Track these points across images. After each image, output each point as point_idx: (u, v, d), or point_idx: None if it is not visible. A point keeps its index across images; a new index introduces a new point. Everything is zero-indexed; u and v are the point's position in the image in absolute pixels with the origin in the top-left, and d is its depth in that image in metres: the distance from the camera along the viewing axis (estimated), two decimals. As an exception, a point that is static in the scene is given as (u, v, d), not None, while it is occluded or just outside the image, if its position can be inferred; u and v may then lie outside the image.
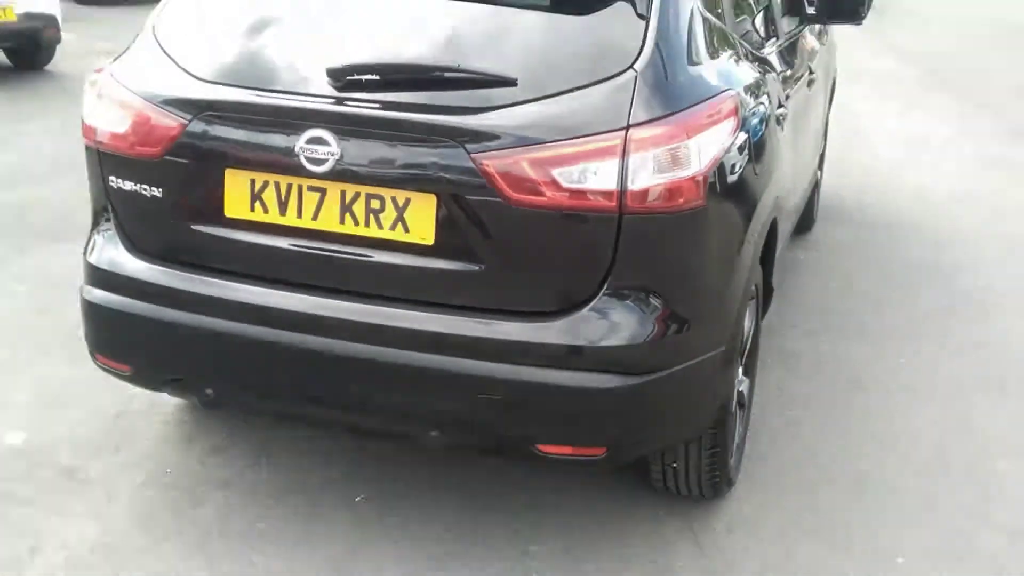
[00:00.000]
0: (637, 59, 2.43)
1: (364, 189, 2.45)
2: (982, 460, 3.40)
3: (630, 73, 2.40)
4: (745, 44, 3.16)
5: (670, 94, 2.44)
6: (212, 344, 2.64)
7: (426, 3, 2.67)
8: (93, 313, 2.82)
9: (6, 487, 3.06)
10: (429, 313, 2.48)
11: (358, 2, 2.78)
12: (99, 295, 2.79)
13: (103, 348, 2.86)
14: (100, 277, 2.79)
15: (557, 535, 2.91)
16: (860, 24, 4.48)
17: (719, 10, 3.00)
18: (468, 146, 2.35)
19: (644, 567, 2.81)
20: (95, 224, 2.89)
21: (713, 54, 2.75)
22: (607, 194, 2.33)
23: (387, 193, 2.43)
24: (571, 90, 2.39)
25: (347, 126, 2.42)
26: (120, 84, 2.69)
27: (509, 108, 2.37)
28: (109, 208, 2.79)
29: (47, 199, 5.68)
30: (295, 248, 2.55)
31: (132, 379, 2.88)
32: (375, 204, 2.45)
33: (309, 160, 2.42)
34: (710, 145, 2.45)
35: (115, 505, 3.00)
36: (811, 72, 4.19)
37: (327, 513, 2.98)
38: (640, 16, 2.50)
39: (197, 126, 2.54)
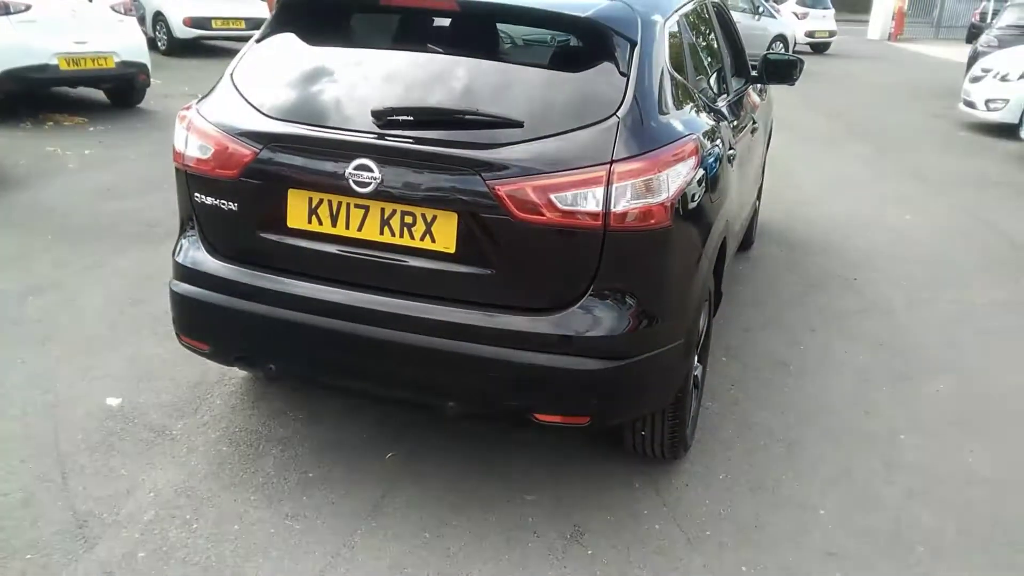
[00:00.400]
0: (619, 108, 2.45)
1: (399, 207, 2.46)
2: (887, 434, 3.41)
3: (613, 119, 2.42)
4: (703, 98, 3.18)
5: (645, 136, 2.46)
6: (274, 328, 2.65)
7: (448, 59, 2.68)
8: (179, 302, 2.83)
9: (108, 441, 3.07)
10: (449, 307, 2.49)
11: (393, 57, 2.79)
12: (184, 288, 2.80)
13: (187, 330, 2.87)
14: (185, 273, 2.80)
15: (549, 488, 2.92)
16: (792, 85, 4.52)
17: (683, 70, 3.02)
18: (484, 174, 2.37)
19: (618, 512, 2.83)
20: (182, 231, 2.89)
21: (678, 105, 2.76)
22: (594, 215, 2.35)
23: (418, 210, 2.45)
24: (566, 131, 2.41)
25: (387, 156, 2.44)
26: (205, 119, 2.70)
27: (517, 145, 2.39)
28: (193, 218, 2.79)
29: (139, 211, 5.66)
30: (342, 253, 2.56)
31: (210, 355, 2.89)
32: (408, 219, 2.47)
33: (356, 183, 2.44)
34: (676, 178, 2.47)
35: (194, 457, 3.00)
36: (754, 122, 4.20)
37: (364, 466, 2.99)
38: (622, 74, 2.52)
39: (266, 154, 2.55)
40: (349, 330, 2.56)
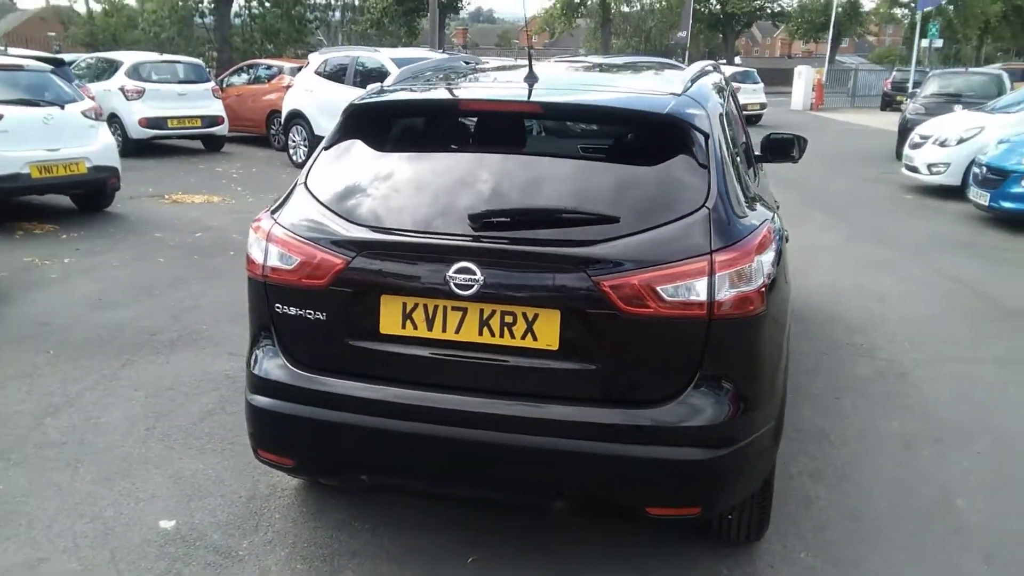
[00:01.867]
0: (707, 199, 2.51)
1: (499, 307, 2.46)
2: (944, 498, 3.47)
3: (704, 211, 2.48)
4: (749, 182, 3.29)
5: (733, 226, 2.52)
6: (367, 438, 2.59)
7: (530, 159, 2.73)
8: (259, 416, 2.75)
9: (174, 568, 2.91)
10: (554, 405, 2.48)
11: (473, 159, 2.81)
12: (264, 401, 2.72)
13: (268, 445, 2.78)
14: (265, 386, 2.72)
15: (639, 580, 2.88)
16: (796, 163, 4.72)
17: (735, 158, 3.13)
18: (588, 270, 2.39)
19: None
20: (255, 342, 2.82)
21: (744, 192, 2.85)
22: (699, 304, 2.38)
23: (519, 309, 2.45)
24: (660, 225, 2.46)
25: (489, 258, 2.44)
26: (287, 229, 2.67)
27: (617, 240, 2.43)
28: (271, 329, 2.73)
29: (135, 320, 5.51)
30: (439, 356, 2.54)
31: (293, 470, 2.80)
32: (508, 319, 2.47)
33: (457, 286, 2.43)
34: (765, 264, 2.54)
35: (270, 578, 2.88)
36: (776, 201, 4.35)
37: (447, 572, 2.90)
38: (702, 166, 2.59)
39: (358, 262, 2.54)
40: (449, 434, 2.51)
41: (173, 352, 4.95)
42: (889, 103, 31.04)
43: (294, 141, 12.73)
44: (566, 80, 3.23)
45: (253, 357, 2.80)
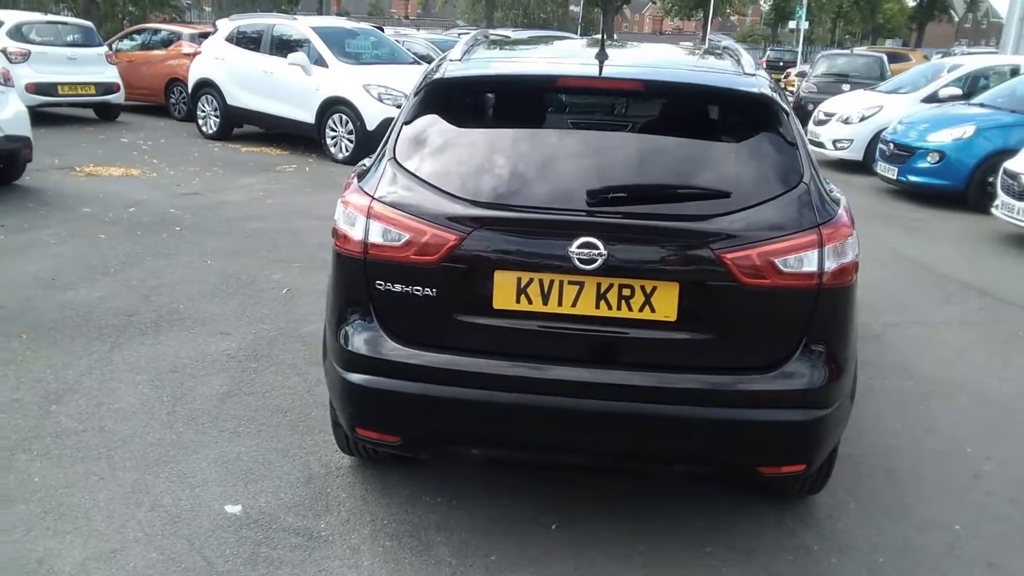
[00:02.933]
0: (804, 175, 2.65)
1: (618, 281, 2.52)
2: (955, 448, 3.79)
3: (803, 186, 2.62)
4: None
5: (827, 200, 2.68)
6: (482, 412, 2.61)
7: (633, 136, 2.78)
8: (360, 394, 2.71)
9: (260, 552, 2.85)
10: (671, 374, 2.57)
11: (575, 135, 2.83)
12: (365, 379, 2.69)
13: (370, 423, 2.76)
14: (365, 363, 2.69)
15: (721, 537, 3.02)
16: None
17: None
18: (712, 244, 2.49)
19: (792, 551, 2.97)
20: (342, 319, 2.77)
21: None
22: (811, 275, 2.53)
23: (637, 283, 2.52)
24: (769, 199, 2.58)
25: (613, 233, 2.50)
26: (391, 206, 2.63)
27: (732, 214, 2.53)
28: (368, 305, 2.70)
29: (102, 300, 5.21)
30: (553, 330, 2.58)
31: (399, 447, 2.78)
32: (626, 291, 2.53)
33: (581, 261, 2.48)
34: (855, 237, 2.70)
35: (365, 558, 2.85)
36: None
37: (537, 541, 2.96)
38: (790, 143, 2.72)
39: (474, 238, 2.54)
40: (565, 406, 2.56)
41: (160, 333, 4.74)
42: (765, 80, 32.53)
43: (203, 111, 12.16)
44: (637, 58, 3.30)
45: (342, 334, 2.75)
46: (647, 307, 2.54)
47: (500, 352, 2.62)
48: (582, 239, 2.48)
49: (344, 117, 10.36)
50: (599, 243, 2.47)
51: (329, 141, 10.63)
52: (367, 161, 3.03)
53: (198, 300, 5.30)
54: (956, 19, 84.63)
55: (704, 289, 2.53)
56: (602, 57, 2.97)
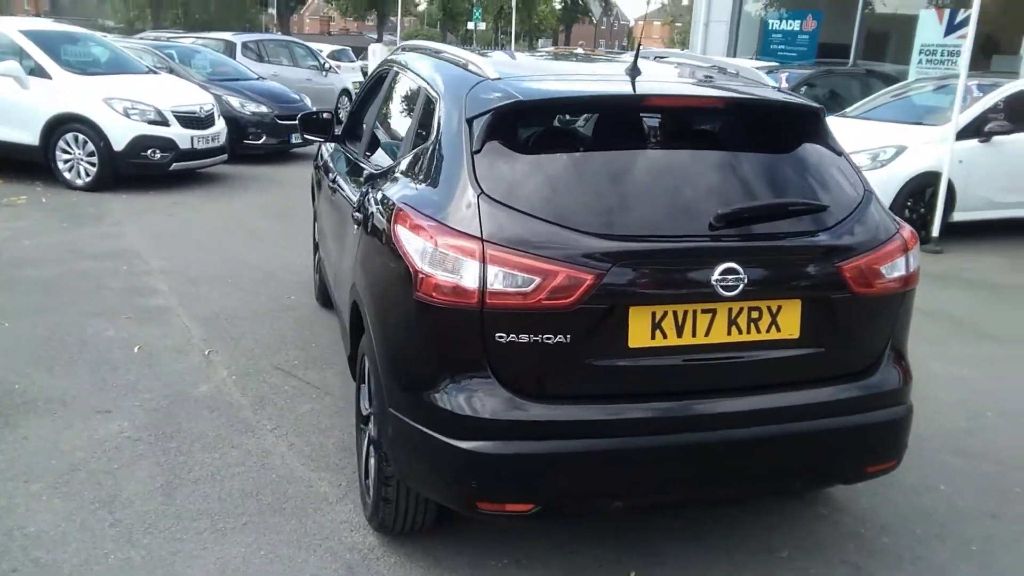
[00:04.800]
0: (865, 184, 2.80)
1: (747, 304, 2.49)
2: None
3: (868, 195, 2.77)
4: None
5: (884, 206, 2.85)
6: (627, 460, 2.44)
7: (716, 154, 2.72)
8: (483, 464, 2.39)
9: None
10: (793, 391, 2.59)
11: (660, 155, 2.69)
12: (488, 445, 2.38)
13: (497, 495, 2.45)
14: (487, 428, 2.38)
15: (794, 543, 3.10)
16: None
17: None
18: (833, 258, 2.54)
19: (848, 535, 3.15)
20: (442, 381, 2.43)
21: None
22: (901, 279, 2.68)
23: (764, 304, 2.51)
24: (855, 209, 2.68)
25: (750, 256, 2.45)
26: (512, 248, 2.34)
27: (837, 227, 2.60)
28: (484, 361, 2.39)
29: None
30: (687, 363, 2.48)
31: (533, 516, 2.47)
32: (754, 314, 2.51)
33: (724, 288, 2.41)
34: None
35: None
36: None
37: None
38: (839, 154, 2.86)
39: (612, 275, 2.35)
40: (709, 440, 2.48)
41: (15, 426, 3.78)
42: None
43: None
44: (677, 73, 3.21)
45: (449, 398, 2.42)
46: (773, 327, 2.53)
47: (639, 394, 2.46)
48: (724, 265, 2.40)
49: (81, 137, 8.98)
50: (739, 268, 2.41)
51: (62, 165, 9.15)
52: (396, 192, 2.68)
53: (34, 376, 4.31)
54: (595, 21, 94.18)
55: (823, 303, 2.57)
56: (647, 74, 2.90)
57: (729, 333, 2.49)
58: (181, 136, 9.29)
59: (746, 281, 2.42)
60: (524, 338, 2.35)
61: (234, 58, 14.13)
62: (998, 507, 3.43)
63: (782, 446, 2.57)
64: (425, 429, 2.47)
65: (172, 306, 5.49)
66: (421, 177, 2.75)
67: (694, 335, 2.46)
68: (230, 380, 4.37)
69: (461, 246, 2.37)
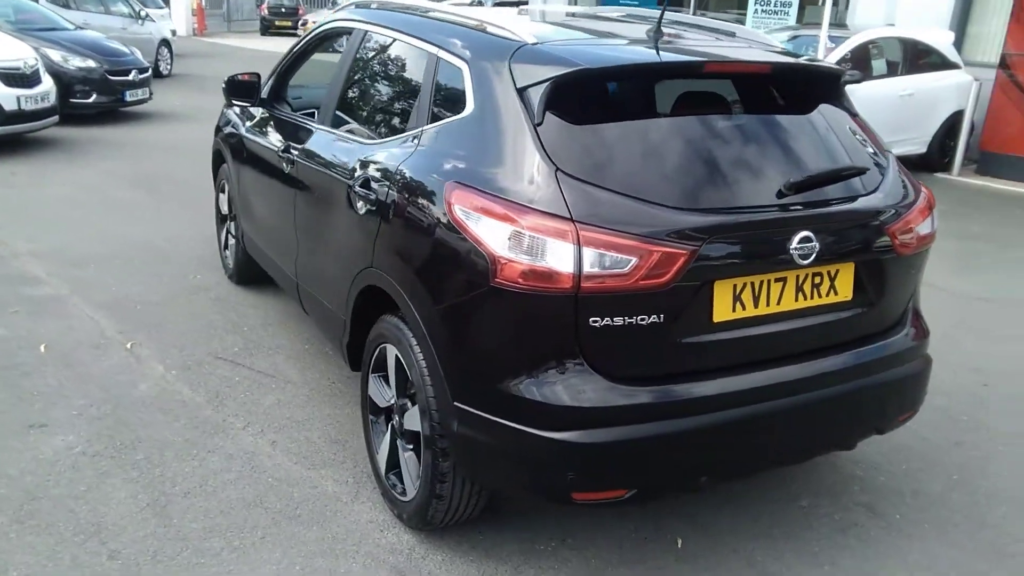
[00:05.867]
0: (885, 146, 2.90)
1: (811, 271, 2.51)
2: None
3: (891, 155, 2.87)
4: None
5: None
6: (718, 435, 2.42)
7: (767, 119, 2.67)
8: (580, 454, 2.30)
9: None
10: (849, 351, 2.66)
11: (723, 122, 2.59)
12: (586, 435, 2.29)
13: (594, 484, 2.36)
14: (584, 417, 2.28)
15: (815, 488, 3.24)
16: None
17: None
18: (883, 220, 2.61)
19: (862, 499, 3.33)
20: (529, 371, 2.30)
21: None
22: (927, 237, 2.79)
23: (824, 269, 2.55)
24: (888, 170, 2.77)
25: (821, 223, 2.47)
26: (607, 228, 2.22)
27: (880, 190, 2.67)
28: (576, 348, 2.28)
29: None
30: (761, 333, 2.49)
31: (626, 501, 2.39)
32: (816, 279, 2.55)
33: (800, 256, 2.42)
34: None
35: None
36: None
37: (664, 559, 2.85)
38: (855, 115, 2.93)
39: (706, 251, 2.29)
40: (785, 406, 2.50)
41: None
42: (268, 27, 32.01)
43: None
44: (703, 37, 3.08)
45: (540, 389, 2.29)
46: (832, 291, 2.58)
47: (724, 367, 2.44)
48: (802, 233, 2.41)
49: None
50: (813, 236, 2.43)
51: None
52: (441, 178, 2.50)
53: (-67, 388, 3.71)
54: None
55: (872, 264, 2.64)
56: (679, 38, 2.84)
57: (796, 300, 2.51)
58: (6, 96, 8.20)
59: (818, 249, 2.44)
60: (618, 321, 2.26)
61: (37, 3, 12.55)
62: (958, 436, 3.73)
63: (847, 404, 2.64)
64: (509, 422, 2.33)
65: (64, 294, 4.88)
66: (462, 153, 2.54)
67: (768, 304, 2.47)
68: (170, 376, 3.95)
69: (551, 227, 2.22)
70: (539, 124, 2.39)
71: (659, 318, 2.29)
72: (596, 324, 2.25)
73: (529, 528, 2.93)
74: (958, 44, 10.36)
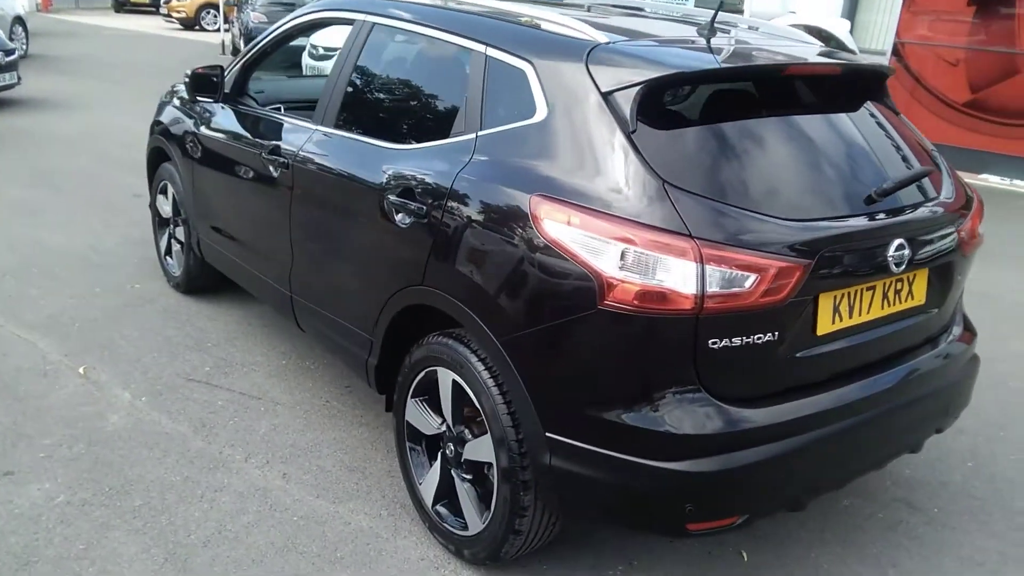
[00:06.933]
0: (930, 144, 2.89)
1: (892, 278, 2.47)
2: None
3: (941, 157, 2.86)
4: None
5: None
6: (820, 451, 2.33)
7: (838, 118, 2.58)
8: (699, 484, 2.15)
9: None
10: (927, 353, 2.64)
11: (807, 124, 2.47)
12: (706, 463, 2.14)
13: (711, 513, 2.22)
14: (705, 444, 2.14)
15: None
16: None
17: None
18: (956, 222, 2.59)
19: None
20: (645, 396, 2.14)
21: None
22: (981, 237, 2.81)
23: (906, 275, 2.50)
24: (947, 172, 2.76)
25: (912, 230, 2.42)
26: (727, 245, 2.07)
27: (947, 191, 2.65)
28: (693, 372, 2.13)
29: None
30: (855, 343, 2.42)
31: (738, 526, 2.27)
32: (898, 286, 2.50)
33: (896, 263, 2.36)
34: None
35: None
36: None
37: (732, 574, 2.79)
38: (897, 113, 2.90)
39: (820, 263, 2.19)
40: (874, 416, 2.43)
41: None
42: (123, 5, 30.15)
43: None
44: (757, 36, 2.94)
45: (650, 416, 2.13)
46: (909, 296, 2.54)
47: (826, 381, 2.35)
48: (897, 241, 2.34)
49: None
50: (906, 243, 2.37)
51: None
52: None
53: None
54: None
55: (943, 268, 2.62)
56: (732, 37, 2.72)
57: (882, 307, 2.46)
58: None
59: (908, 255, 2.38)
60: (736, 341, 2.13)
61: None
62: (958, 423, 3.81)
63: (923, 406, 2.62)
64: (618, 454, 2.16)
65: (-15, 313, 4.31)
66: (537, 162, 2.33)
67: (860, 314, 2.40)
68: (141, 403, 3.54)
69: (670, 244, 2.05)
70: (633, 132, 2.21)
71: (774, 335, 2.17)
72: (715, 346, 2.11)
73: (592, 554, 2.77)
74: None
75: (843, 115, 2.60)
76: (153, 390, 3.65)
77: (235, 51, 17.28)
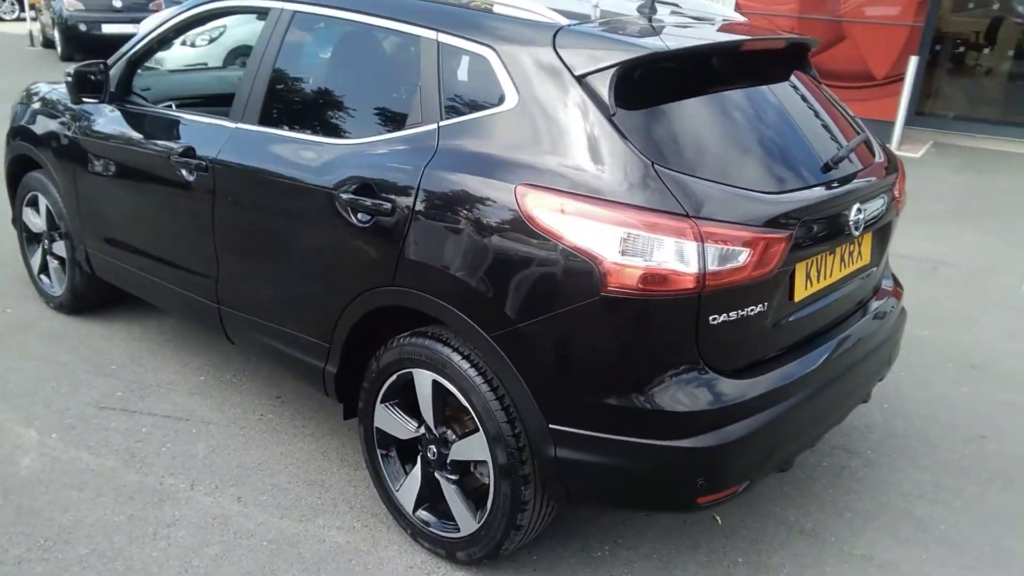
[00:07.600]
0: (848, 110, 3.05)
1: (850, 241, 2.59)
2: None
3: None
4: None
5: None
6: (808, 410, 2.43)
7: (784, 89, 2.65)
8: (710, 457, 2.19)
9: None
10: (871, 311, 2.81)
11: (757, 97, 2.52)
12: (714, 436, 2.18)
13: (720, 485, 2.26)
14: (712, 419, 2.18)
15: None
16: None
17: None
18: (892, 183, 2.75)
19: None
20: (650, 378, 2.15)
21: None
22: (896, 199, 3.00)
23: (858, 237, 2.63)
24: (875, 138, 2.92)
25: (866, 193, 2.55)
26: (721, 222, 2.10)
27: (883, 156, 2.82)
28: (695, 348, 2.16)
29: None
30: (825, 304, 2.54)
31: (740, 493, 2.32)
32: (851, 248, 2.63)
33: (855, 227, 2.47)
34: None
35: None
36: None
37: (709, 535, 2.88)
38: (816, 80, 3.04)
39: (799, 232, 2.27)
40: (843, 370, 2.57)
41: None
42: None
43: None
44: (686, 14, 2.93)
45: (656, 397, 2.15)
46: (859, 256, 2.68)
47: (806, 342, 2.47)
48: (856, 205, 2.46)
49: None
50: (863, 207, 2.50)
51: None
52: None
53: None
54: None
55: (883, 228, 2.78)
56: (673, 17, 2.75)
57: (840, 269, 2.58)
58: None
59: (867, 219, 2.51)
60: (732, 315, 2.17)
61: None
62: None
63: (875, 357, 2.77)
64: (626, 438, 2.17)
65: None
66: (514, 151, 2.26)
67: (826, 277, 2.51)
68: (52, 441, 3.21)
69: (669, 225, 2.06)
70: (614, 115, 2.19)
71: (763, 306, 2.24)
72: (715, 322, 2.15)
73: (577, 537, 2.78)
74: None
75: (786, 86, 2.69)
76: (63, 424, 3.32)
77: (46, 43, 15.87)
